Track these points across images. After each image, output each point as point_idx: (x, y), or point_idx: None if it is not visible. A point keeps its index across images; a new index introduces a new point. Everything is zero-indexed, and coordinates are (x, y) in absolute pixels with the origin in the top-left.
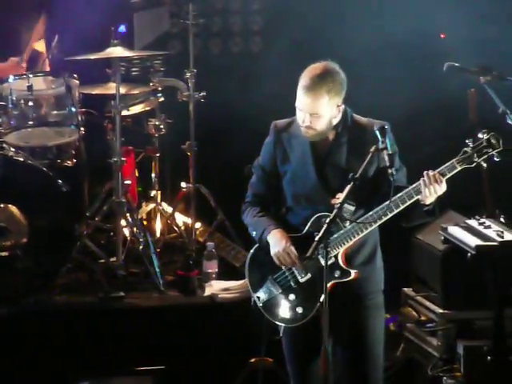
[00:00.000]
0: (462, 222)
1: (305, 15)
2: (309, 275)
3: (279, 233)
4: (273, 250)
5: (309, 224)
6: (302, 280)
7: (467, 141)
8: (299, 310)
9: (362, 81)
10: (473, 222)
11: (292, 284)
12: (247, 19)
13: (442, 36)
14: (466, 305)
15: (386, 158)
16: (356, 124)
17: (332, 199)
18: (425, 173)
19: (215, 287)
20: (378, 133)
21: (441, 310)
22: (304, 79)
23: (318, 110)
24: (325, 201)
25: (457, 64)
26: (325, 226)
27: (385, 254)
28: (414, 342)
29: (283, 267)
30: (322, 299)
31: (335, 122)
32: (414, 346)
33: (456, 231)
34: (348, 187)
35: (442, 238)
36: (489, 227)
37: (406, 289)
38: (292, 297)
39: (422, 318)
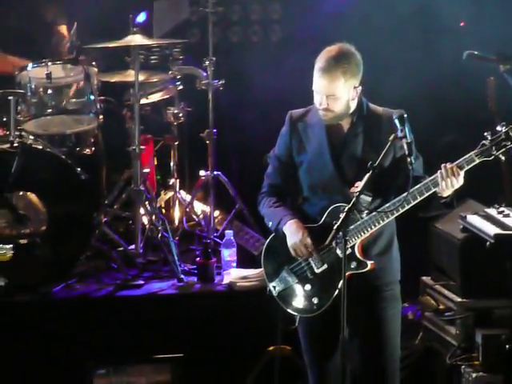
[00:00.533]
0: (481, 210)
1: (323, 2)
2: (325, 266)
3: (295, 223)
4: (289, 241)
5: (325, 214)
6: (318, 270)
7: (485, 133)
8: (315, 300)
9: (380, 67)
10: (492, 211)
11: (308, 274)
12: (266, 8)
13: (462, 24)
14: (485, 293)
15: (406, 146)
16: (372, 113)
17: (348, 189)
18: (442, 165)
19: (233, 275)
20: (397, 121)
21: (459, 299)
22: (319, 61)
23: (334, 92)
24: (341, 191)
25: (476, 52)
26: (343, 215)
27: (404, 242)
28: (432, 330)
29: (299, 258)
30: (337, 290)
31: (353, 104)
32: (432, 335)
33: (475, 220)
34: (367, 176)
35: (461, 226)
36: (508, 216)
37: (424, 277)
38: (308, 287)
39: (441, 307)
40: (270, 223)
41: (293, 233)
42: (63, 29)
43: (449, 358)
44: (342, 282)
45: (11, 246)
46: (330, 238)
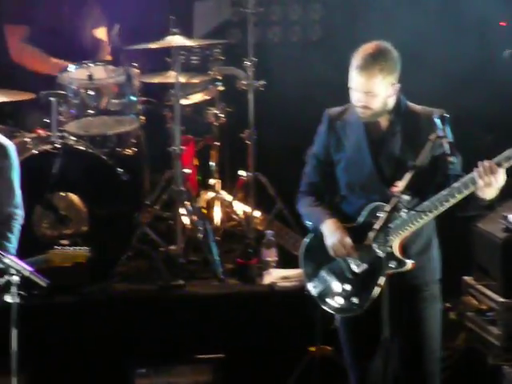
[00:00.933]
0: None
1: (365, 3)
2: (364, 265)
3: (334, 223)
4: (328, 241)
5: (364, 213)
6: (357, 270)
7: None
8: (355, 300)
9: (416, 67)
10: None
11: (347, 274)
12: (307, 8)
13: (502, 24)
14: None
15: (447, 146)
16: (410, 112)
17: (385, 188)
18: (479, 163)
19: (274, 275)
20: (438, 121)
21: (501, 299)
22: (356, 59)
23: (372, 89)
24: (379, 190)
25: None
26: (384, 214)
27: (445, 242)
28: (474, 331)
29: (338, 257)
30: (377, 289)
31: (391, 102)
32: (474, 335)
33: None
34: (408, 175)
35: (503, 226)
36: None
37: (466, 277)
38: (347, 287)
39: (483, 307)
40: (309, 223)
41: (331, 232)
42: (103, 31)
43: (491, 358)
44: (382, 281)
45: (88, 248)
46: (370, 238)
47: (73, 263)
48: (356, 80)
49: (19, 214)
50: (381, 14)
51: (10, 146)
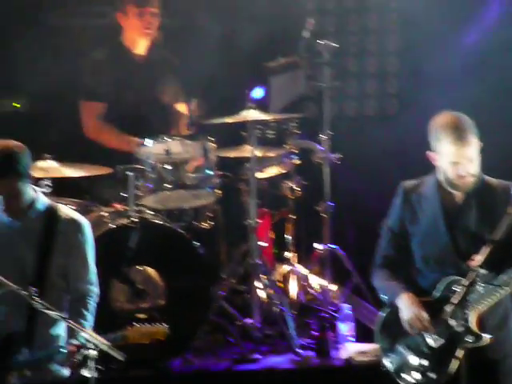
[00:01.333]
0: None
1: (437, 79)
2: (441, 340)
3: (410, 297)
4: (404, 316)
5: (440, 287)
6: (434, 345)
7: None
8: (432, 375)
9: None
10: None
11: (424, 349)
12: (383, 81)
13: None
14: None
15: None
16: (486, 185)
17: (461, 262)
18: None
19: (351, 350)
20: None
21: None
22: (447, 133)
23: (472, 155)
24: (454, 263)
25: None
26: (462, 289)
27: None
28: None
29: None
30: (455, 364)
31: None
32: None
33: None
34: (485, 249)
35: None
36: None
37: None
38: (424, 362)
39: None
40: (385, 296)
41: (408, 307)
42: (182, 106)
43: None
44: (459, 355)
45: (166, 325)
46: (447, 312)
47: (151, 340)
48: (456, 153)
49: (94, 291)
50: (447, 85)
51: (85, 222)
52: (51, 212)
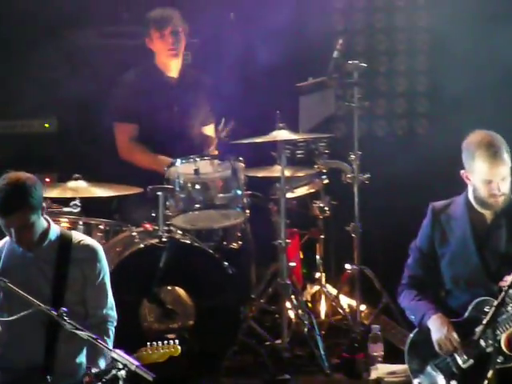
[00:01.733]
0: None
1: (466, 98)
2: (471, 361)
3: (440, 318)
4: (434, 336)
5: (470, 308)
6: (464, 366)
7: None
8: None
9: None
10: None
11: (454, 369)
12: (413, 102)
13: None
14: None
15: None
16: None
17: (491, 282)
18: None
19: (381, 370)
20: None
21: None
22: (481, 151)
23: (506, 174)
24: (484, 284)
25: None
26: (492, 309)
27: None
28: None
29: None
30: None
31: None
32: None
33: None
34: None
35: None
36: None
37: None
38: (454, 383)
39: None
40: (413, 317)
41: (438, 328)
42: (211, 128)
43: None
44: (489, 376)
45: (177, 341)
46: (478, 333)
47: (166, 359)
48: (490, 172)
49: (113, 315)
50: (476, 104)
51: (98, 247)
52: (63, 240)
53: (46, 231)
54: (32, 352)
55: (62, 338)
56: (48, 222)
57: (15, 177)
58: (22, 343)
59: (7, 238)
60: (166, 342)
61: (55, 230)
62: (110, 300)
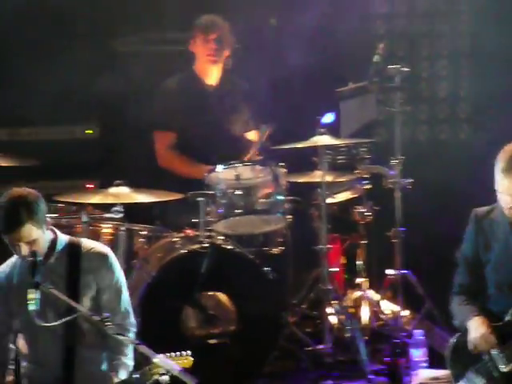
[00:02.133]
0: None
1: (509, 103)
2: (511, 365)
3: (480, 319)
4: (470, 336)
5: (511, 312)
6: (505, 369)
7: None
8: None
9: None
10: None
11: (494, 374)
12: (455, 106)
13: None
14: None
15: None
16: None
17: None
18: None
19: (423, 376)
20: None
21: None
22: (501, 163)
23: None
24: None
25: None
26: None
27: None
28: None
29: (485, 357)
30: None
31: None
32: None
33: None
34: None
35: None
36: None
37: None
38: None
39: None
40: (457, 321)
41: (476, 328)
42: (252, 134)
43: None
44: None
45: (190, 352)
46: None
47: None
48: (505, 183)
49: (131, 322)
50: None
51: (109, 252)
52: (72, 249)
53: (53, 243)
54: (55, 366)
55: (79, 349)
56: (55, 233)
57: (17, 193)
58: (46, 357)
59: (15, 258)
60: (178, 353)
61: (63, 240)
62: (127, 306)
